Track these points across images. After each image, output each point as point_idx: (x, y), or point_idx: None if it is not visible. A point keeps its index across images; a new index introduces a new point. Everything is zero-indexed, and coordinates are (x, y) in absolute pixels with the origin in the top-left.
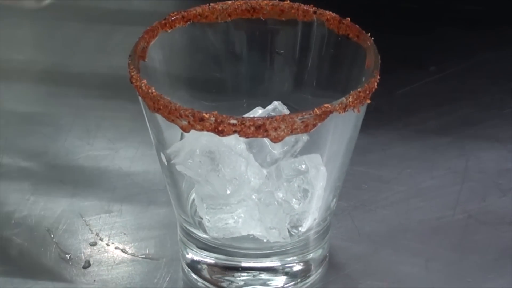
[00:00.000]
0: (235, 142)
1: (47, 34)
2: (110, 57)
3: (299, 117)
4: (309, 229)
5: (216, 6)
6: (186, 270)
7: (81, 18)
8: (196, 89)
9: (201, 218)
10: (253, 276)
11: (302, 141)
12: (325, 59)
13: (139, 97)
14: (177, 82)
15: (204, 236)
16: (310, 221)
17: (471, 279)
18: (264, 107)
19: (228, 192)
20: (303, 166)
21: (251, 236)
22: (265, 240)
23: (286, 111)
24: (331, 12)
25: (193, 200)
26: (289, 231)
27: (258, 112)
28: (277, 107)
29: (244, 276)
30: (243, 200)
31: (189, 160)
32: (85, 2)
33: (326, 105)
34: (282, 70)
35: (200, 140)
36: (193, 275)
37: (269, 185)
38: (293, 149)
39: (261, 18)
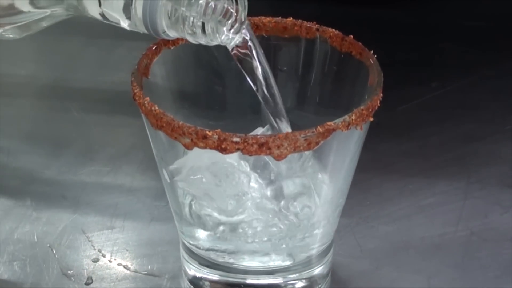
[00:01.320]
0: (238, 158)
1: (49, 49)
2: (113, 72)
3: (302, 135)
4: (311, 247)
5: None
6: (188, 287)
7: (83, 32)
8: (199, 105)
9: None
10: None
11: (306, 159)
12: (328, 76)
13: (142, 114)
14: (180, 99)
15: (207, 253)
16: (313, 239)
17: None
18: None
19: (230, 208)
20: (306, 184)
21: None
22: (268, 258)
23: (289, 129)
24: (334, 30)
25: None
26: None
27: (260, 131)
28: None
29: None
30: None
31: (191, 176)
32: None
33: (329, 123)
34: (285, 87)
35: (203, 156)
36: None
37: (271, 202)
38: (296, 166)
39: (264, 35)
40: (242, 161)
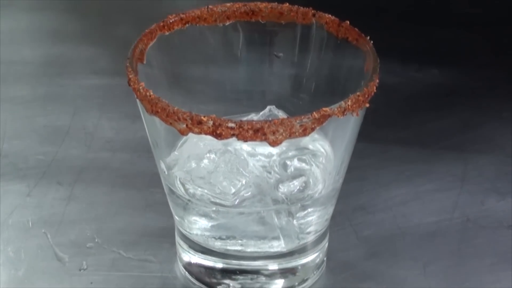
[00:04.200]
0: (234, 143)
1: (46, 32)
2: (110, 56)
3: (298, 121)
4: (308, 232)
5: (215, 8)
6: (183, 273)
7: (79, 15)
8: (194, 91)
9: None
10: (251, 279)
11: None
12: (324, 62)
13: (137, 100)
14: (175, 85)
15: (206, 240)
16: (309, 223)
17: (469, 283)
18: (261, 111)
19: (233, 190)
20: (304, 168)
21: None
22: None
23: (281, 115)
24: (330, 15)
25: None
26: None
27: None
28: (271, 111)
29: (242, 279)
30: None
31: (188, 164)
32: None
33: (324, 108)
34: (281, 73)
35: (198, 145)
36: (190, 278)
37: (270, 183)
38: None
39: (260, 20)
40: (238, 143)
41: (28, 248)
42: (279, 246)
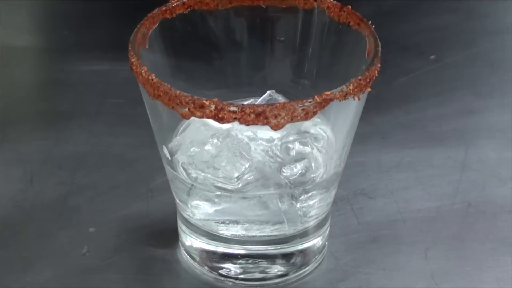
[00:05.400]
0: (235, 128)
1: (47, 19)
2: (112, 40)
3: (299, 105)
4: (310, 216)
5: None
6: (185, 257)
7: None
8: (196, 76)
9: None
10: (252, 263)
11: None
12: (326, 47)
13: (139, 84)
14: (177, 69)
15: (204, 224)
16: (310, 208)
17: (470, 268)
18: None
19: (237, 174)
20: (306, 151)
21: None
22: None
23: (281, 99)
24: (332, 0)
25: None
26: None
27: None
28: (272, 96)
29: (243, 263)
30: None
31: (191, 149)
32: None
33: (326, 92)
34: (283, 57)
35: (201, 130)
36: (192, 262)
37: (273, 167)
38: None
39: (262, 5)
40: (240, 127)
41: (30, 233)
42: (282, 230)
